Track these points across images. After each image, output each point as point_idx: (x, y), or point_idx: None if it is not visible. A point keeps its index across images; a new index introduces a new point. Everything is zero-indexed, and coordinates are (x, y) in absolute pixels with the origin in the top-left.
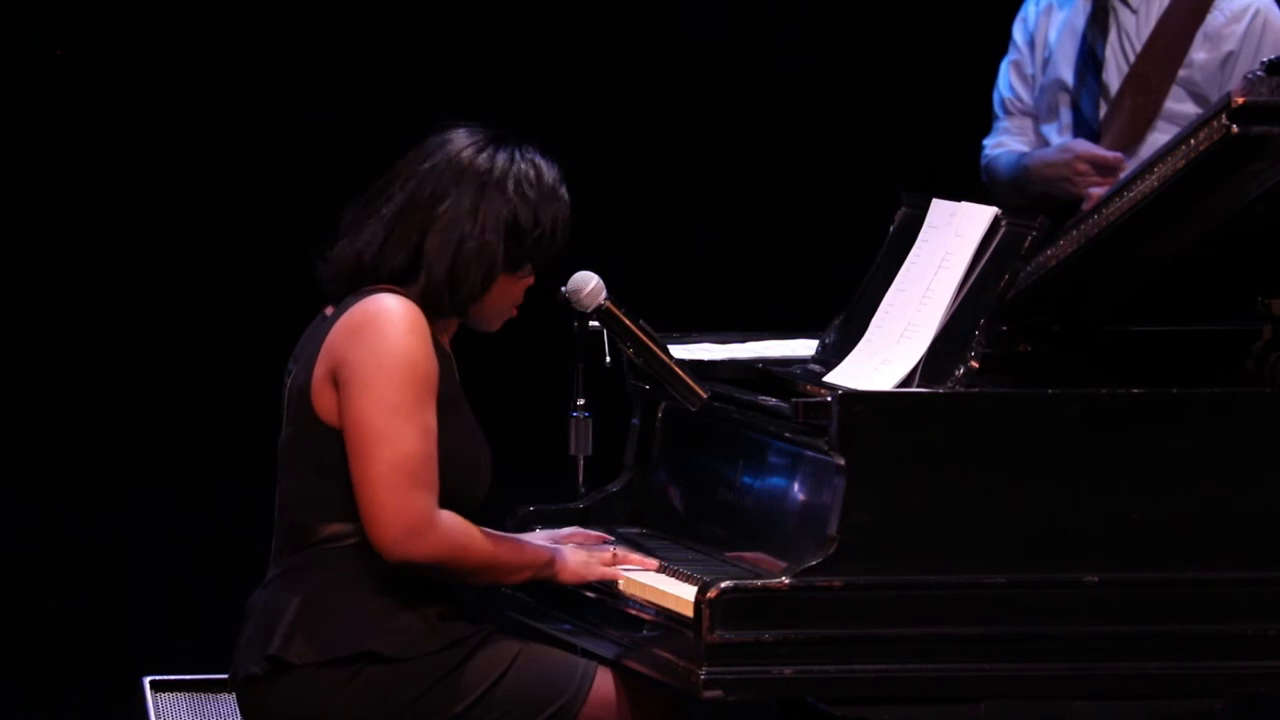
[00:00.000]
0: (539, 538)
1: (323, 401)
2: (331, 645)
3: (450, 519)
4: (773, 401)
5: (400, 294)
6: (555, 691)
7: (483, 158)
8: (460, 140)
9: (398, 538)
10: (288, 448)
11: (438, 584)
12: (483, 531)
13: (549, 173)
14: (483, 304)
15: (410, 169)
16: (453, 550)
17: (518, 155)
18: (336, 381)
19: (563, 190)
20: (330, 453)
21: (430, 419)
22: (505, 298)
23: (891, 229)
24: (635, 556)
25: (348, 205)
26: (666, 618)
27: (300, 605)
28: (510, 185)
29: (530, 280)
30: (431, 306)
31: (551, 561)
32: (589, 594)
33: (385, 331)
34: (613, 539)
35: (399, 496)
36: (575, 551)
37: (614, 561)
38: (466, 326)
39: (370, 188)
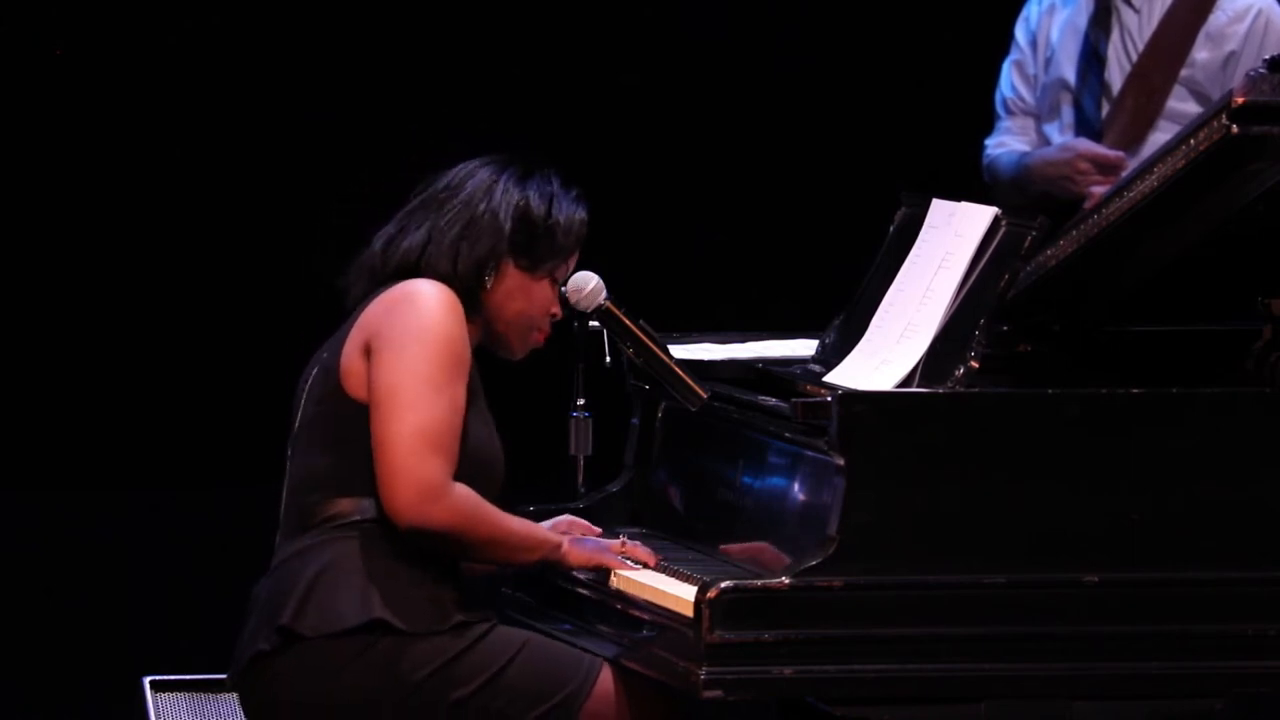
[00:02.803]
0: None
1: (351, 375)
2: (343, 616)
3: (463, 490)
4: (773, 401)
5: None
6: (560, 682)
7: (501, 165)
8: (479, 160)
9: (410, 501)
10: (301, 430)
11: (447, 568)
12: (493, 507)
13: (569, 185)
14: (494, 299)
15: (427, 187)
16: (463, 520)
17: (538, 171)
18: (369, 351)
19: (582, 202)
20: (345, 427)
21: (459, 395)
22: (521, 299)
23: (891, 229)
24: (642, 551)
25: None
26: (666, 617)
27: (310, 580)
28: (529, 181)
29: (549, 291)
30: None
31: (559, 545)
32: (588, 593)
33: (423, 307)
34: (600, 531)
35: (416, 460)
36: (583, 539)
37: (622, 551)
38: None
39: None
